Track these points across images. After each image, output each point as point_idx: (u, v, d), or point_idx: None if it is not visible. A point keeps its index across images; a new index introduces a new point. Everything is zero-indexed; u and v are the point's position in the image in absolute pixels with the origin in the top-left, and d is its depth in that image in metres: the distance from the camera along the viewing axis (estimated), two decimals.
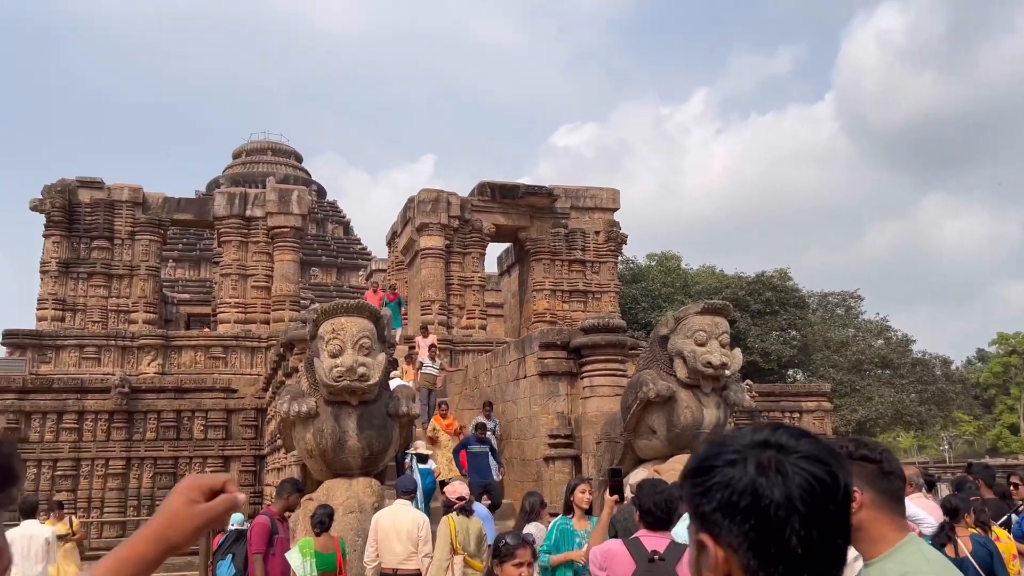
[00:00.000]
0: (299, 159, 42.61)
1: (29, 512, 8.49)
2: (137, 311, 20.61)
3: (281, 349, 12.62)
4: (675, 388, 9.32)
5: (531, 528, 6.53)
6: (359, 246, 40.02)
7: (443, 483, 9.11)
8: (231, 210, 21.83)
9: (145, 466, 17.02)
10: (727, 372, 9.11)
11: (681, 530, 3.88)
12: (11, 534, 8.38)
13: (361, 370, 8.23)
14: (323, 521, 6.72)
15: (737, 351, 9.47)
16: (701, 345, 9.23)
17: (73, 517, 12.69)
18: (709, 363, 9.08)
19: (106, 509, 16.60)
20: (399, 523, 6.61)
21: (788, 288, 35.83)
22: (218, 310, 22.15)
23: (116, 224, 20.91)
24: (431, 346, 15.65)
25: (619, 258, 25.33)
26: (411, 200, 23.20)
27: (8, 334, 19.25)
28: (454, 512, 6.79)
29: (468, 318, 22.76)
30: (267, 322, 21.47)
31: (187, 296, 31.63)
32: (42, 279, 20.15)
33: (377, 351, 8.62)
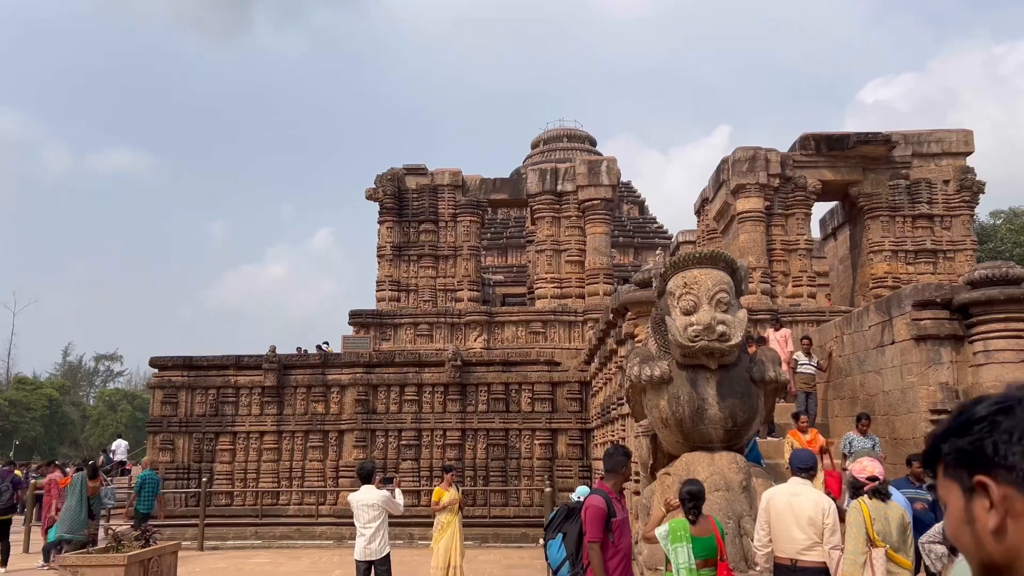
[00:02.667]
0: (593, 143, 42.57)
1: (366, 478, 8.51)
2: (462, 289, 21.41)
3: (611, 316, 11.96)
4: None
5: None
6: (655, 225, 39.14)
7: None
8: (543, 186, 21.89)
9: (479, 437, 17.48)
10: None
11: None
12: (351, 497, 8.53)
13: (720, 328, 7.18)
14: (697, 505, 5.70)
15: None
16: None
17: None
18: None
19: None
20: (798, 506, 5.43)
21: None
22: (535, 286, 22.37)
23: (440, 207, 21.89)
24: (804, 338, 13.17)
25: (975, 210, 21.63)
26: (724, 161, 21.66)
27: (354, 314, 20.93)
28: (865, 495, 5.48)
29: (795, 285, 20.74)
30: (582, 296, 21.25)
31: (501, 277, 32.82)
32: (379, 263, 21.66)
33: (736, 307, 7.51)
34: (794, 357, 12.44)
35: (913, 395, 10.37)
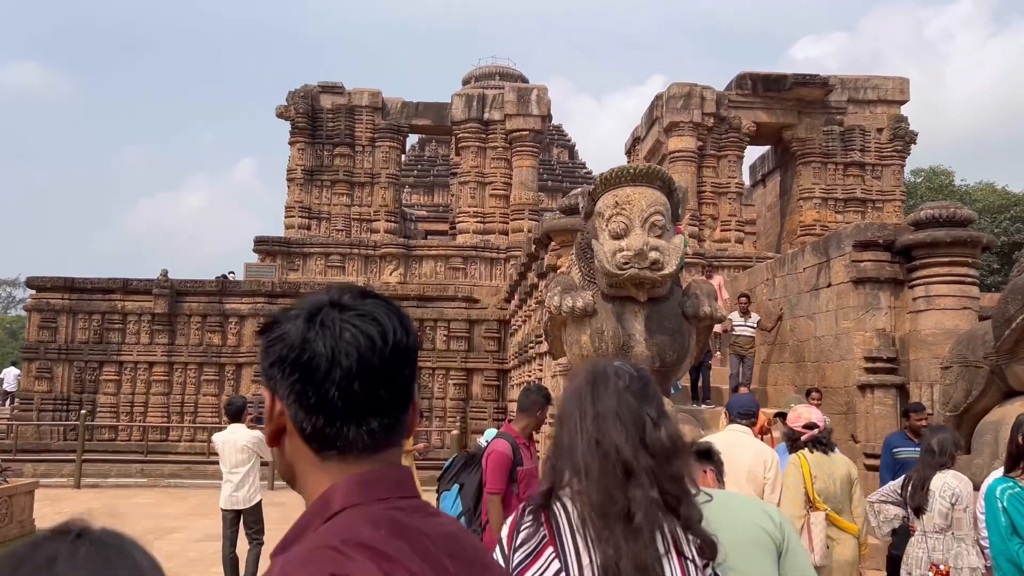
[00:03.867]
0: (526, 83, 41.18)
1: (235, 416, 7.38)
2: (379, 220, 20.12)
3: (533, 247, 10.99)
4: None
5: (949, 479, 4.28)
6: (584, 170, 38.43)
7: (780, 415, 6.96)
8: (468, 114, 20.61)
9: None
10: None
11: None
12: (216, 437, 7.42)
13: (653, 255, 6.24)
14: None
15: None
16: None
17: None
18: None
19: None
20: (736, 457, 4.57)
21: None
22: (456, 220, 21.25)
23: (357, 130, 20.39)
24: (742, 296, 11.63)
25: (906, 160, 21.36)
26: (658, 97, 20.77)
27: (259, 241, 19.45)
28: (805, 448, 4.69)
29: (723, 230, 20.18)
30: (506, 232, 20.25)
31: (424, 213, 31.53)
32: (289, 187, 20.13)
33: (671, 232, 6.60)
34: (728, 317, 11.03)
35: (847, 341, 9.78)
